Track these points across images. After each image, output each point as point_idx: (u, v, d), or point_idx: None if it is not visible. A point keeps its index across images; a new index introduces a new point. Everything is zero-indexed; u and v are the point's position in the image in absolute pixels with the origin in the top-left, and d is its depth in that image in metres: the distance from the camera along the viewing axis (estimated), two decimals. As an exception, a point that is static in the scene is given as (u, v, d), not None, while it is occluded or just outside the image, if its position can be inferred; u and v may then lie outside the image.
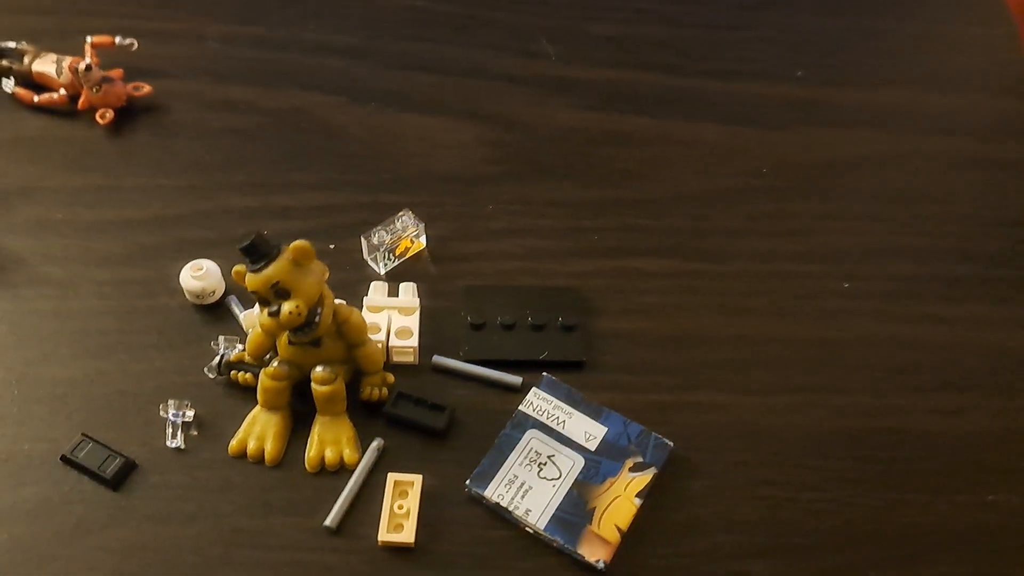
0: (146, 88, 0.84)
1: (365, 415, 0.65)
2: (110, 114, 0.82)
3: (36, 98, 0.83)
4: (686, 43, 0.93)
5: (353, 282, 0.72)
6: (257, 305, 0.62)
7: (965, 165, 0.84)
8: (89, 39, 0.85)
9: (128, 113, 0.83)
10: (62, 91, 0.83)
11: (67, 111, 0.83)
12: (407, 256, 0.75)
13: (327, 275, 0.61)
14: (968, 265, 0.77)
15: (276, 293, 0.58)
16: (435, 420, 0.64)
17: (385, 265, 0.74)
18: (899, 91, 0.90)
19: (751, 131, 0.85)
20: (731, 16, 0.96)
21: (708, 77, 0.90)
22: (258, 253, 0.58)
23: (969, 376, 0.70)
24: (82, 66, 0.81)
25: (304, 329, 0.60)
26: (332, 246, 0.75)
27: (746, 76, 0.90)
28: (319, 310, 0.60)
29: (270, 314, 0.59)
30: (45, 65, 0.84)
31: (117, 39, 0.86)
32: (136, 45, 0.86)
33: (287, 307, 0.58)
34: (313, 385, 0.63)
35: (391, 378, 0.66)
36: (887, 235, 0.78)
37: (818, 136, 0.85)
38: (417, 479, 0.61)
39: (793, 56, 0.92)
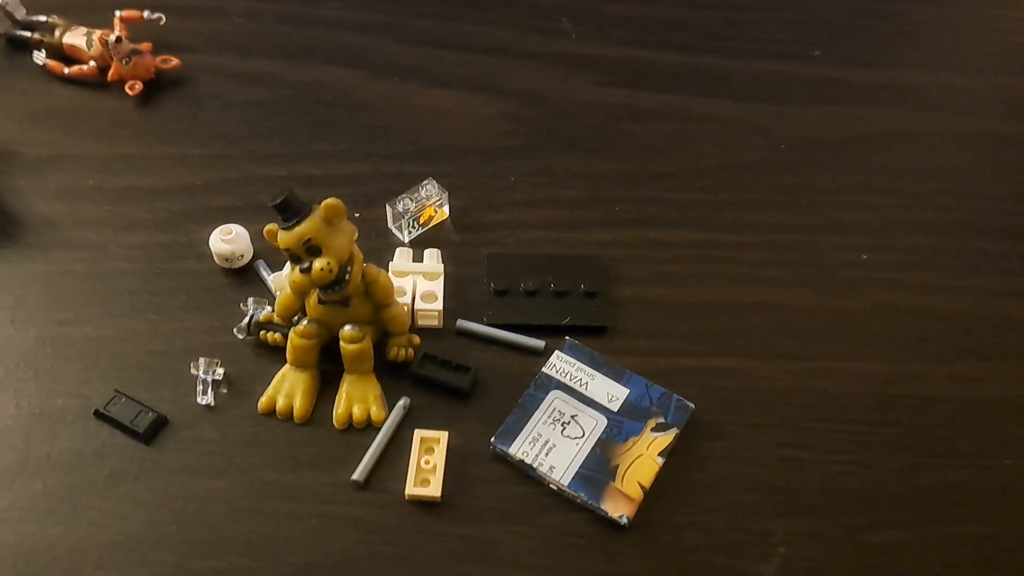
0: (174, 61, 0.85)
1: (392, 375, 0.66)
2: (139, 86, 0.83)
3: (67, 70, 0.84)
4: (703, 23, 0.94)
5: (378, 250, 0.73)
6: (287, 265, 0.63)
7: (979, 143, 0.85)
8: (118, 13, 0.87)
9: (156, 85, 0.85)
10: (92, 63, 0.84)
11: (97, 83, 0.85)
12: (431, 225, 0.76)
13: (356, 235, 0.62)
14: (982, 239, 0.77)
15: (308, 250, 0.59)
16: (460, 380, 0.65)
17: (409, 233, 0.75)
18: (915, 71, 0.91)
19: (769, 108, 0.87)
20: (749, -3, 0.97)
21: (725, 55, 0.91)
22: (291, 211, 0.59)
23: (984, 345, 0.71)
24: (112, 38, 0.83)
25: (334, 287, 0.61)
26: (357, 215, 0.76)
27: (763, 55, 0.91)
28: (349, 268, 0.61)
29: (302, 271, 0.60)
30: (76, 38, 0.85)
31: (145, 13, 0.87)
32: (164, 20, 0.88)
33: (319, 264, 0.59)
34: (342, 344, 0.64)
35: (417, 339, 0.67)
36: (903, 209, 0.79)
37: (835, 114, 0.87)
38: (443, 435, 0.62)
39: (810, 36, 0.93)
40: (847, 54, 0.92)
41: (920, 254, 0.76)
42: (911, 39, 0.94)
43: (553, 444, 0.63)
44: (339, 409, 0.64)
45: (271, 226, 0.61)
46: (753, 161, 0.82)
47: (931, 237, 0.77)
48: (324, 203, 0.59)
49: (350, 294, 0.62)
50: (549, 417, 0.64)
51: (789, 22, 0.94)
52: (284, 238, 0.59)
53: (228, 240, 0.70)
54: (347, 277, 0.61)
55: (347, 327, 0.64)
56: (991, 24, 0.96)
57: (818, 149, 0.84)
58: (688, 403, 0.65)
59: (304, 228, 0.59)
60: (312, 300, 0.64)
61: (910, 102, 0.88)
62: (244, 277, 0.72)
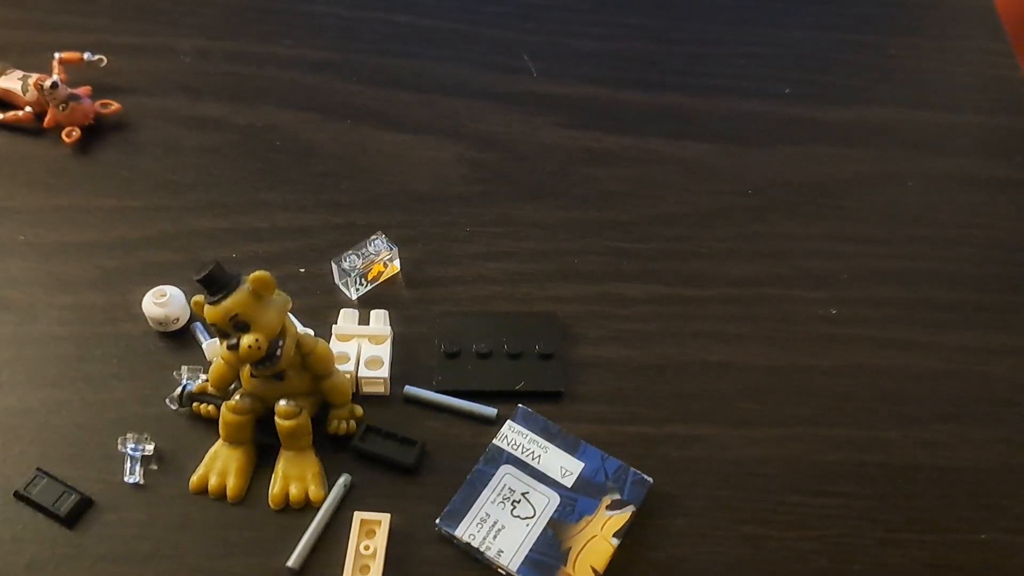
0: (114, 106, 0.81)
1: (332, 449, 0.63)
2: (77, 132, 0.79)
3: (0, 116, 0.80)
4: (670, 59, 0.90)
5: (324, 308, 0.70)
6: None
7: (957, 185, 0.82)
8: (57, 55, 0.83)
9: (96, 131, 0.81)
10: (28, 109, 0.80)
11: (32, 129, 0.81)
12: (380, 281, 0.72)
13: (290, 306, 0.58)
14: (960, 290, 0.74)
15: (235, 326, 0.56)
16: (405, 455, 0.62)
17: (356, 290, 0.71)
18: (890, 109, 0.87)
19: (737, 149, 0.83)
20: (717, 31, 0.93)
21: (693, 94, 0.87)
22: (216, 284, 0.56)
23: (961, 407, 0.67)
24: (48, 83, 0.79)
25: (265, 363, 0.57)
26: (303, 270, 0.72)
27: (732, 93, 0.88)
28: (280, 343, 0.57)
29: (229, 347, 0.56)
30: (10, 82, 0.81)
31: (86, 55, 0.83)
32: (105, 61, 0.84)
33: (246, 340, 0.55)
34: (276, 420, 0.60)
35: (359, 411, 0.63)
36: (876, 258, 0.76)
37: (806, 155, 0.83)
38: (384, 518, 0.59)
39: (781, 72, 0.90)
40: (819, 91, 0.88)
41: (892, 308, 0.73)
42: (886, 74, 0.91)
43: (502, 525, 0.59)
44: (275, 488, 0.60)
45: (198, 298, 0.57)
46: (719, 207, 0.79)
47: (904, 289, 0.74)
48: (252, 276, 0.56)
49: (283, 368, 0.59)
50: (499, 495, 0.60)
51: (758, 57, 0.91)
52: (210, 313, 0.56)
53: (161, 303, 0.67)
54: (278, 352, 0.57)
55: (282, 402, 0.60)
56: (970, 57, 0.93)
57: (787, 193, 0.80)
58: (646, 477, 0.61)
59: (231, 303, 0.55)
60: (246, 372, 0.60)
61: (884, 141, 0.85)
62: (181, 340, 0.68)
